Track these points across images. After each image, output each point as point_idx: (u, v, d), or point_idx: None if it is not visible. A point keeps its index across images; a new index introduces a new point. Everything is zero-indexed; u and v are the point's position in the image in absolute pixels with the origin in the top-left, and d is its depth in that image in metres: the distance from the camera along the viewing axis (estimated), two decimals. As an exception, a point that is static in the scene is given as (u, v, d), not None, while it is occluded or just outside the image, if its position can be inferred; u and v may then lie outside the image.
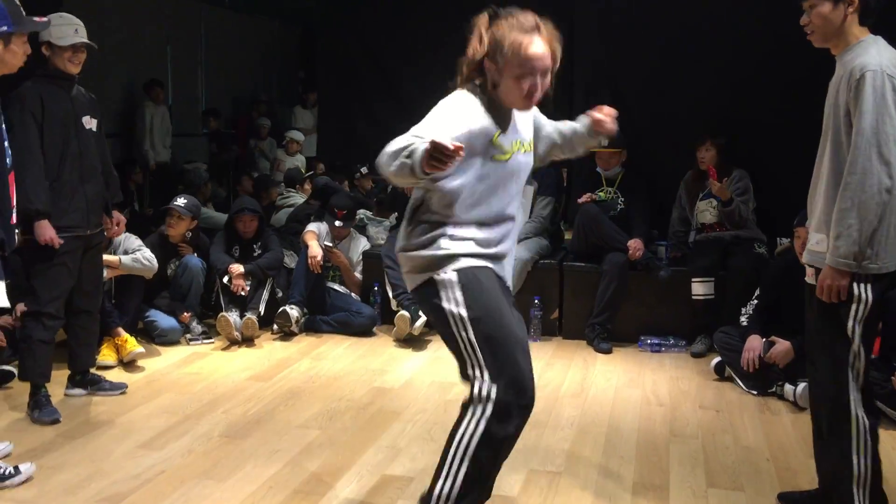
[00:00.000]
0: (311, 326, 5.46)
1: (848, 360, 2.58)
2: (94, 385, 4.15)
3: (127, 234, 4.93)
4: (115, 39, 7.43)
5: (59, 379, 4.10)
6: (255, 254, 5.51)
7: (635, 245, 5.14)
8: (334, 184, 7.00)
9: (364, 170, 8.44)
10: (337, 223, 5.65)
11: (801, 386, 3.95)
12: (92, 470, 3.25)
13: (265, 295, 5.41)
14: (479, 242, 2.48)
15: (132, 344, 4.66)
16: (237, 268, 5.28)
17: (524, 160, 2.58)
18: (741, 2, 5.49)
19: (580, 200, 5.42)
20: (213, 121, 9.43)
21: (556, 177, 5.77)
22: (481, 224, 2.49)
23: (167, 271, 5.31)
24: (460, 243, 2.46)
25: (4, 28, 2.97)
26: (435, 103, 2.54)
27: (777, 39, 5.07)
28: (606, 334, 5.16)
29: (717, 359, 4.57)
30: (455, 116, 2.42)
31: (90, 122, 3.90)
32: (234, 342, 5.12)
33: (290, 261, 5.80)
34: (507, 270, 2.59)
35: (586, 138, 2.78)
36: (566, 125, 2.81)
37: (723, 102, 5.44)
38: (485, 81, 2.48)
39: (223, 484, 3.14)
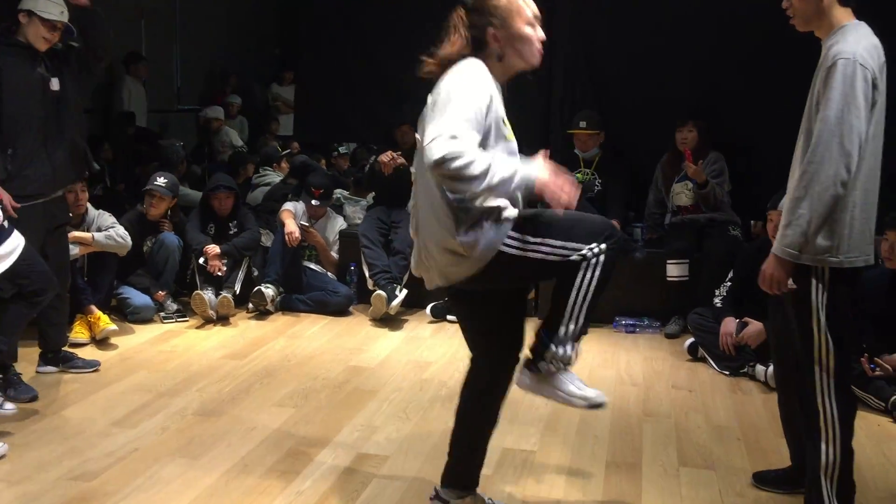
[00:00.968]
0: (287, 305, 5.44)
1: (813, 356, 2.53)
2: (67, 362, 4.11)
3: (100, 210, 4.88)
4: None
5: (28, 357, 4.07)
6: (231, 232, 5.47)
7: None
8: (312, 162, 6.97)
9: (342, 149, 8.41)
10: (314, 202, 5.62)
11: (773, 367, 4.00)
12: (64, 448, 3.23)
13: (241, 274, 5.38)
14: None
15: (105, 321, 4.62)
16: (213, 249, 5.24)
17: None
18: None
19: (558, 181, 5.43)
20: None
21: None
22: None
23: (143, 248, 5.26)
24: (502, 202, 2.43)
25: None
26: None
27: (757, 23, 5.08)
28: (582, 315, 5.18)
29: (691, 339, 4.62)
30: (485, 96, 2.34)
31: (55, 83, 3.78)
32: (208, 320, 5.09)
33: (267, 240, 5.77)
34: None
35: None
36: None
37: (700, 85, 5.44)
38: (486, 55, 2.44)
39: (197, 462, 3.13)
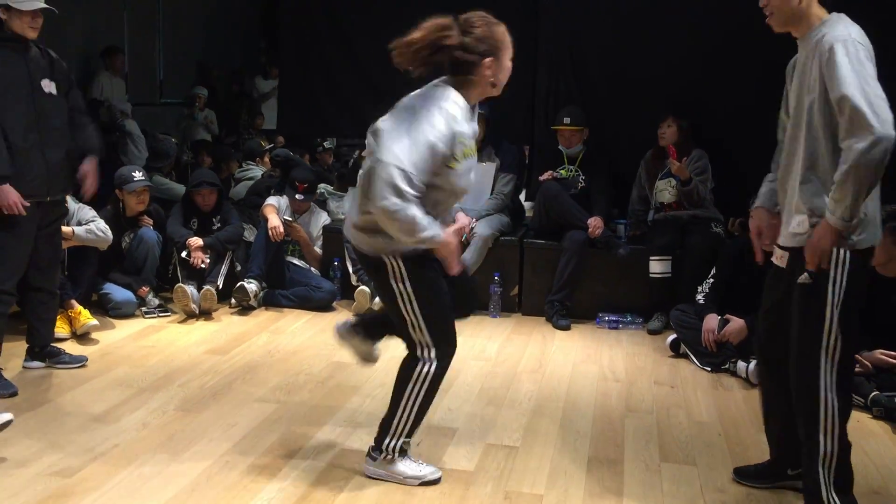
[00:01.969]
0: (270, 301, 5.41)
1: (821, 343, 2.54)
2: (54, 358, 4.08)
3: (80, 204, 4.84)
4: (70, 5, 7.23)
5: (15, 351, 4.03)
6: (215, 227, 5.44)
7: (595, 223, 5.18)
8: (295, 157, 6.94)
9: (326, 143, 8.37)
10: (298, 196, 5.60)
11: (753, 363, 4.03)
12: (44, 443, 3.20)
13: (224, 269, 5.35)
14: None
15: (86, 316, 4.59)
16: (196, 241, 5.21)
17: None
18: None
19: (541, 178, 5.44)
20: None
21: (517, 154, 5.78)
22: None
23: (122, 245, 5.22)
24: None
25: None
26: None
27: (740, 20, 5.10)
28: (565, 311, 5.21)
29: (673, 336, 4.64)
30: (447, 143, 2.65)
31: (49, 86, 3.77)
32: (191, 315, 5.06)
33: (250, 234, 5.74)
34: None
35: None
36: None
37: (685, 82, 5.47)
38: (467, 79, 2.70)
39: (178, 458, 3.12)
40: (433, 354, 2.83)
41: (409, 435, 2.93)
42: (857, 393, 3.82)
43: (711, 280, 4.51)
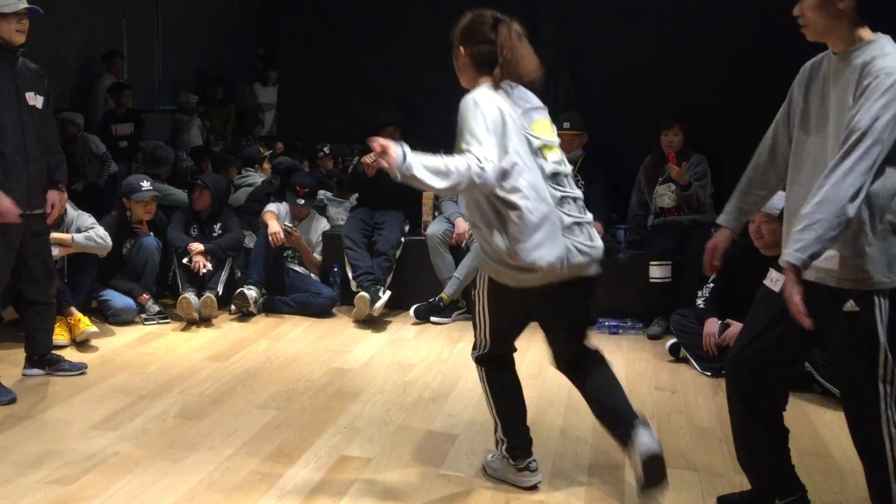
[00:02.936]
0: (270, 307, 5.41)
1: (877, 380, 2.41)
2: (53, 365, 4.07)
3: (80, 211, 4.85)
4: (69, 12, 7.24)
5: (13, 359, 4.03)
6: (215, 234, 5.44)
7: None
8: (295, 163, 6.94)
9: (326, 149, 8.38)
10: (299, 201, 5.61)
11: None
12: (44, 451, 3.19)
13: (224, 275, 5.35)
14: None
15: (85, 323, 4.58)
16: (197, 246, 5.21)
17: None
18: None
19: (541, 183, 5.43)
20: None
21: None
22: None
23: (122, 251, 5.22)
24: None
25: None
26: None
27: (740, 26, 5.12)
28: (565, 316, 5.20)
29: (673, 341, 4.64)
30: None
31: (34, 99, 3.74)
32: (192, 322, 5.06)
33: (250, 241, 5.74)
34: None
35: None
36: None
37: (684, 87, 5.48)
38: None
39: (178, 465, 3.11)
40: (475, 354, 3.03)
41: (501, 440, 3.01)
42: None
43: (712, 285, 4.51)
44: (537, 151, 2.71)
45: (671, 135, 5.22)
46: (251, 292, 5.21)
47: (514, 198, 2.59)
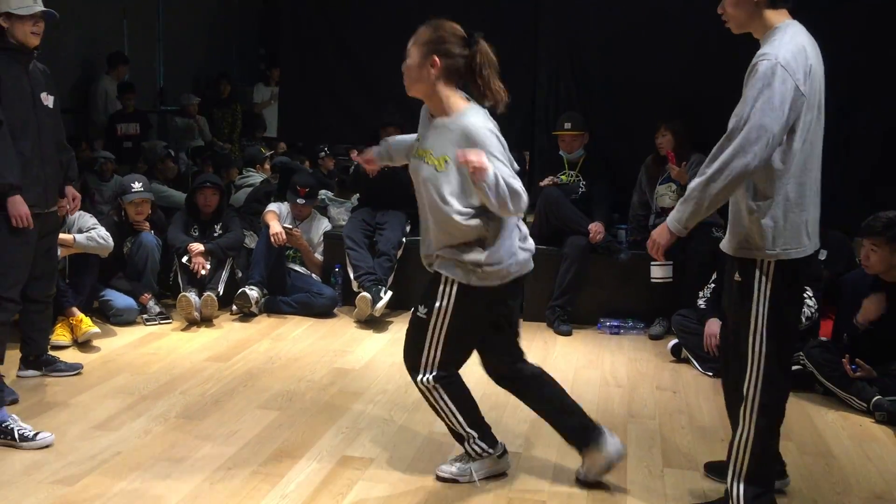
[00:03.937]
0: (272, 307, 5.41)
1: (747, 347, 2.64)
2: (49, 366, 4.07)
3: (81, 212, 4.84)
4: (69, 12, 7.23)
5: (10, 359, 4.02)
6: (216, 235, 5.44)
7: (596, 228, 5.18)
8: (295, 163, 6.95)
9: (327, 150, 8.38)
10: (300, 200, 5.60)
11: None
12: (46, 451, 3.19)
13: (224, 275, 5.35)
14: None
15: (87, 324, 4.58)
16: (197, 246, 5.21)
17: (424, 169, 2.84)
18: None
19: (542, 183, 5.44)
20: None
21: (518, 160, 5.78)
22: None
23: (123, 250, 5.22)
24: None
25: None
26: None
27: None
28: (566, 316, 5.20)
29: (675, 341, 4.64)
30: None
31: (47, 99, 3.77)
32: (192, 322, 5.06)
33: (251, 241, 5.74)
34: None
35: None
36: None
37: (686, 87, 5.48)
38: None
39: (180, 465, 3.11)
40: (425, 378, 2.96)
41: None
42: (860, 398, 3.82)
43: (713, 285, 4.51)
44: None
45: (660, 136, 5.24)
46: (253, 292, 5.21)
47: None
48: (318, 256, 5.73)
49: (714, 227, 5.12)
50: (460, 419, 2.97)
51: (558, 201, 5.28)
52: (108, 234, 4.80)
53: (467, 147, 2.63)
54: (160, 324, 5.07)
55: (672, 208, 5.09)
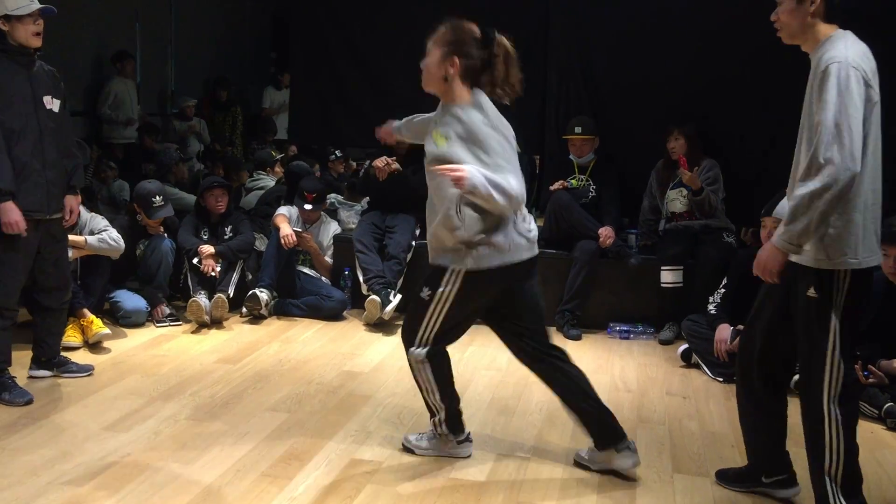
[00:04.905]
0: (281, 310, 5.42)
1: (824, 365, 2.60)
2: (61, 367, 4.08)
3: (93, 214, 4.86)
4: (82, 15, 7.28)
5: (22, 360, 4.04)
6: (226, 237, 5.46)
7: (606, 233, 5.17)
8: (304, 167, 6.96)
9: (338, 153, 8.40)
10: (307, 206, 5.62)
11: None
12: (56, 452, 3.21)
13: (235, 277, 5.36)
14: None
15: (98, 325, 4.60)
16: (207, 248, 5.23)
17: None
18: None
19: (552, 188, 5.43)
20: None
21: (528, 164, 5.78)
22: None
23: (136, 252, 5.24)
24: None
25: None
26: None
27: (751, 30, 5.08)
28: (576, 321, 5.20)
29: (685, 346, 4.62)
30: None
31: (51, 103, 3.73)
32: (203, 325, 5.07)
33: (261, 244, 5.76)
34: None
35: None
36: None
37: (695, 91, 5.46)
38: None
39: (190, 466, 3.12)
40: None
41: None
42: (871, 404, 3.80)
43: (723, 290, 4.49)
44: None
45: (672, 140, 5.23)
46: (263, 295, 5.23)
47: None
48: (328, 259, 5.74)
49: (725, 232, 5.12)
50: (437, 396, 3.15)
51: (568, 205, 5.28)
52: (119, 236, 4.81)
53: (467, 138, 2.82)
54: (170, 326, 5.08)
55: (682, 213, 5.18)
